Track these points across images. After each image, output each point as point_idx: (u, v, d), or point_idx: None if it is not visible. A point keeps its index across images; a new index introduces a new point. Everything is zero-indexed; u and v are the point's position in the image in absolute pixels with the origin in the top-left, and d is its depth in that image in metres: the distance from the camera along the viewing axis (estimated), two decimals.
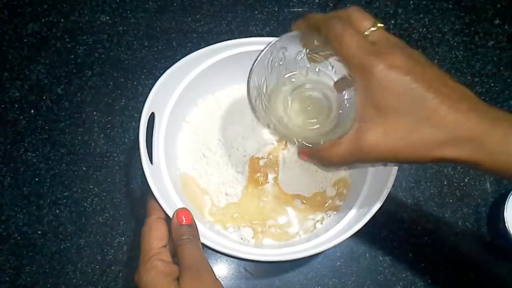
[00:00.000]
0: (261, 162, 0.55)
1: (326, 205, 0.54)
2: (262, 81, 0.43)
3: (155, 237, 0.43)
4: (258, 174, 0.55)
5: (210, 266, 0.42)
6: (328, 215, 0.54)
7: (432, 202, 0.61)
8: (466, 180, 0.62)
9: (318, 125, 0.42)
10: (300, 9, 0.68)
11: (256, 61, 0.41)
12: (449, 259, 0.59)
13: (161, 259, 0.41)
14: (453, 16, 0.68)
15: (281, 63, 0.42)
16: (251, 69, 0.41)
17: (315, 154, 0.38)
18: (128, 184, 0.60)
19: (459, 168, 0.62)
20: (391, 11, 0.69)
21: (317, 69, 0.43)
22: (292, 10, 0.68)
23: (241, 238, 0.52)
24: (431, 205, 0.61)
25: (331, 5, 0.69)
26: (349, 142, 0.35)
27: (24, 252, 0.57)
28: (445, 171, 0.62)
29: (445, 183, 0.62)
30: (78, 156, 0.61)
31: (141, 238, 0.43)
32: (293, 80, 0.44)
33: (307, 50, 0.41)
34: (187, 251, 0.41)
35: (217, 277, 0.56)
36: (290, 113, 0.43)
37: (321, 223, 0.53)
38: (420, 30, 0.68)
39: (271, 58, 0.41)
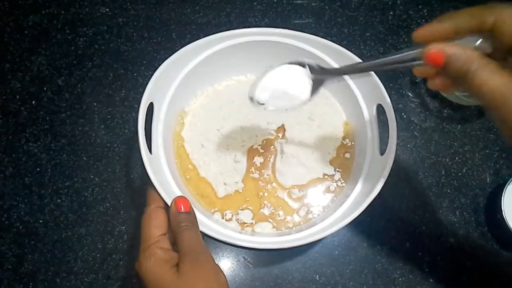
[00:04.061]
0: (258, 160, 0.56)
1: (323, 192, 0.55)
2: None
3: (155, 226, 0.43)
4: (254, 169, 0.55)
5: (209, 252, 0.43)
6: (326, 202, 0.54)
7: (430, 192, 0.61)
8: (464, 170, 0.62)
9: None
10: (299, 1, 0.68)
11: None
12: (447, 248, 0.59)
13: (161, 247, 0.42)
14: (452, 7, 0.68)
15: None
16: None
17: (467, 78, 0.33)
18: (128, 174, 0.60)
19: (457, 158, 0.62)
20: (390, 2, 0.69)
21: None
22: (291, 1, 0.68)
23: (240, 223, 0.53)
24: (429, 195, 0.61)
25: None
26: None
27: (26, 241, 0.58)
28: (443, 161, 0.62)
29: (443, 173, 0.62)
30: (78, 147, 0.61)
31: (141, 227, 0.44)
32: None
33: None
34: (186, 238, 0.42)
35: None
36: None
37: (319, 211, 0.54)
38: (419, 21, 0.68)
39: None
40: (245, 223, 0.53)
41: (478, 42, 0.35)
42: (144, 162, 0.46)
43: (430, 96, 0.65)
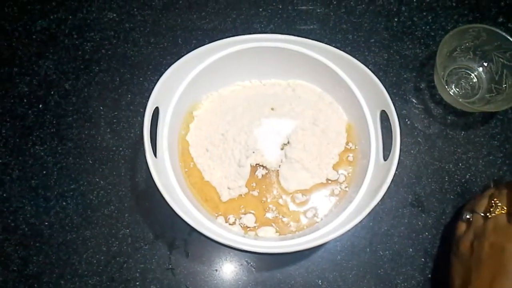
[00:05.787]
0: (260, 172, 0.56)
1: (326, 197, 0.55)
2: None
3: None
4: (258, 174, 0.56)
5: None
6: (329, 207, 0.55)
7: (433, 198, 0.61)
8: (467, 176, 0.62)
9: None
10: (304, 7, 0.69)
11: None
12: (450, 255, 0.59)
13: None
14: (456, 14, 0.69)
15: None
16: None
17: None
18: (133, 178, 0.61)
19: (460, 164, 0.63)
20: (395, 9, 0.69)
21: None
22: (296, 7, 0.69)
23: (243, 227, 0.53)
24: (432, 201, 0.61)
25: (334, 2, 0.69)
26: None
27: (32, 242, 0.59)
28: (446, 167, 0.62)
29: (446, 179, 0.62)
30: (84, 150, 0.62)
31: None
32: None
33: None
34: None
35: (219, 270, 0.57)
36: None
37: (322, 216, 0.54)
38: (424, 28, 0.68)
39: None
40: (248, 227, 0.54)
41: None
42: (149, 166, 0.47)
43: (434, 102, 0.65)
